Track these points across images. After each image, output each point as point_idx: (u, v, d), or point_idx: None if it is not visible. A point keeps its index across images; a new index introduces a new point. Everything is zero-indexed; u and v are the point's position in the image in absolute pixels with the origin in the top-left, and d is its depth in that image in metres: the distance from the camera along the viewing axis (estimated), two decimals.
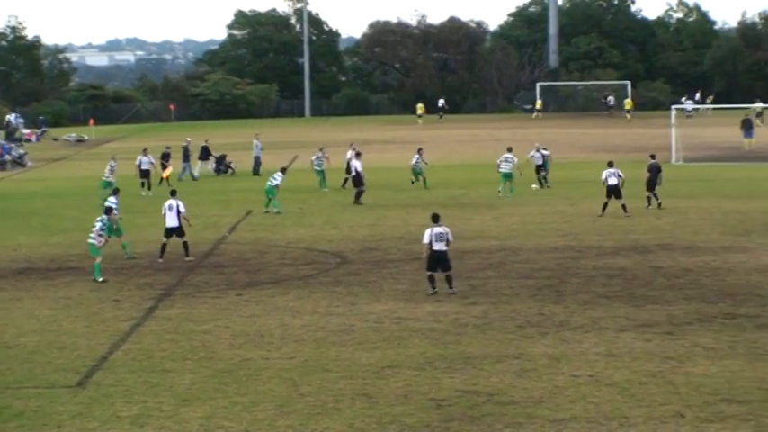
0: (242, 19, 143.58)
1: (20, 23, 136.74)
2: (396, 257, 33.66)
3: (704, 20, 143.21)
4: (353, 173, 48.78)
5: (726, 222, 39.53)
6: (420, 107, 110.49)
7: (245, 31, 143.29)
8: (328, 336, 23.89)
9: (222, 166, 63.16)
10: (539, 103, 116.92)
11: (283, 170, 46.80)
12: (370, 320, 25.27)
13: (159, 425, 18.23)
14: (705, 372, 20.50)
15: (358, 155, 50.61)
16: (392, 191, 51.29)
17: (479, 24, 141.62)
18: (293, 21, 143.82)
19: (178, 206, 33.75)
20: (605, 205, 41.46)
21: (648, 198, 43.16)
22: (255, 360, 22.01)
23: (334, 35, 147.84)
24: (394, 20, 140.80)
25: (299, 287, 29.45)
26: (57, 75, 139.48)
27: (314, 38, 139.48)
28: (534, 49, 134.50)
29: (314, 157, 54.10)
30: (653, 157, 44.25)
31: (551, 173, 53.06)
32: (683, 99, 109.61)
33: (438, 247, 27.71)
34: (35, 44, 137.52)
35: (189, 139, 63.20)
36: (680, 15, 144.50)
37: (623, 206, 41.32)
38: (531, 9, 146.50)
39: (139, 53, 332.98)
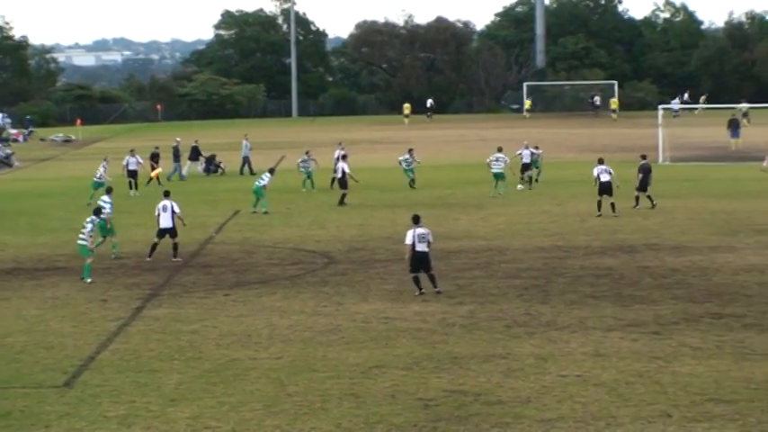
0: (229, 19, 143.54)
1: (7, 23, 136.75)
2: (383, 257, 33.66)
3: (691, 20, 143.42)
4: (339, 175, 48.73)
5: (713, 222, 39.61)
6: (407, 107, 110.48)
7: (233, 32, 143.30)
8: (315, 336, 23.89)
9: (212, 166, 63.15)
10: (528, 103, 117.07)
11: (271, 171, 46.81)
12: (357, 320, 25.27)
13: (146, 425, 18.21)
14: (692, 371, 20.54)
15: (344, 157, 50.57)
16: (379, 191, 51.29)
17: (466, 24, 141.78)
18: (280, 21, 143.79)
19: (172, 207, 33.71)
20: (599, 203, 41.44)
21: (637, 198, 43.10)
22: (243, 360, 22.00)
23: (322, 35, 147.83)
24: (381, 20, 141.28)
25: (287, 287, 29.44)
26: (44, 75, 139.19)
27: (301, 38, 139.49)
28: (521, 49, 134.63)
29: (300, 161, 54.00)
30: (644, 157, 44.18)
31: (543, 172, 53.24)
32: (675, 101, 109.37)
33: (420, 248, 27.73)
34: (22, 44, 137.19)
35: (179, 139, 63.13)
36: (667, 15, 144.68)
37: (612, 205, 41.36)
38: (518, 9, 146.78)
39: (126, 53, 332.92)
